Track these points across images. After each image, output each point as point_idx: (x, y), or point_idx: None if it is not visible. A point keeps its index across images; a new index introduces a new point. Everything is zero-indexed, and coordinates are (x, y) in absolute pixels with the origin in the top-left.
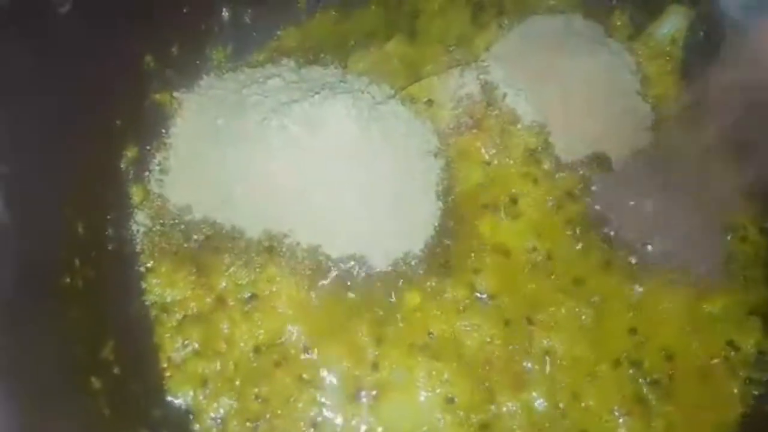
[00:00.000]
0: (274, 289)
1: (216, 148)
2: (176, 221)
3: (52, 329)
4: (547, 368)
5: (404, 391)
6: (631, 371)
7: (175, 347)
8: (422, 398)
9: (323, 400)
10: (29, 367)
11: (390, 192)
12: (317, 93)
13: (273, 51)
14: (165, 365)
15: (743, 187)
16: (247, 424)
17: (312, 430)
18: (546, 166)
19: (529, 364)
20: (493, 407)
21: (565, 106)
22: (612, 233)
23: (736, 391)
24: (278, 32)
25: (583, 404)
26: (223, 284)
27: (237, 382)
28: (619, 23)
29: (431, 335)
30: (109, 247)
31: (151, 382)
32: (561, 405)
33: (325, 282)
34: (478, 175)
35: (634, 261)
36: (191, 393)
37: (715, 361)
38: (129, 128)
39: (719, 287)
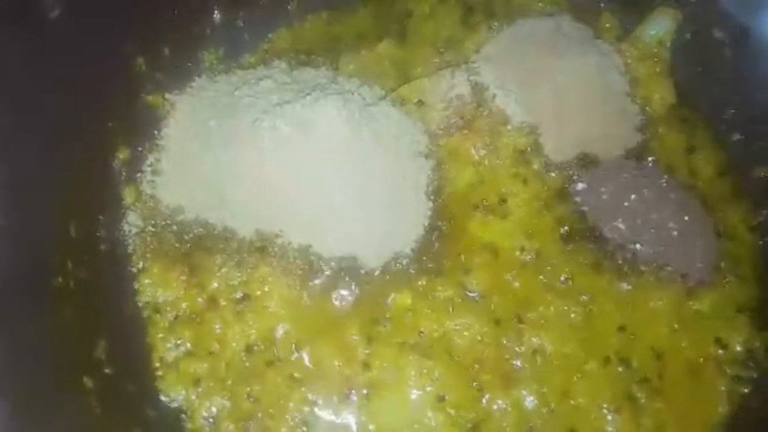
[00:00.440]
0: (265, 289)
1: (208, 149)
2: (168, 222)
3: (45, 329)
4: (537, 366)
5: (395, 390)
6: (620, 369)
7: (167, 347)
8: (413, 397)
9: (314, 399)
10: (22, 366)
11: (381, 192)
12: (308, 94)
13: (265, 53)
14: (157, 365)
15: (732, 186)
16: (240, 423)
17: (303, 429)
18: (535, 166)
19: (519, 363)
20: (483, 405)
21: (554, 107)
22: (601, 232)
23: (724, 388)
24: (270, 35)
25: (572, 402)
26: (215, 284)
27: (229, 382)
28: (607, 25)
29: (422, 334)
30: (102, 248)
31: (143, 382)
32: (551, 403)
33: (316, 282)
34: (469, 175)
35: (623, 260)
36: (183, 393)
37: (704, 359)
38: (121, 130)
39: (708, 285)
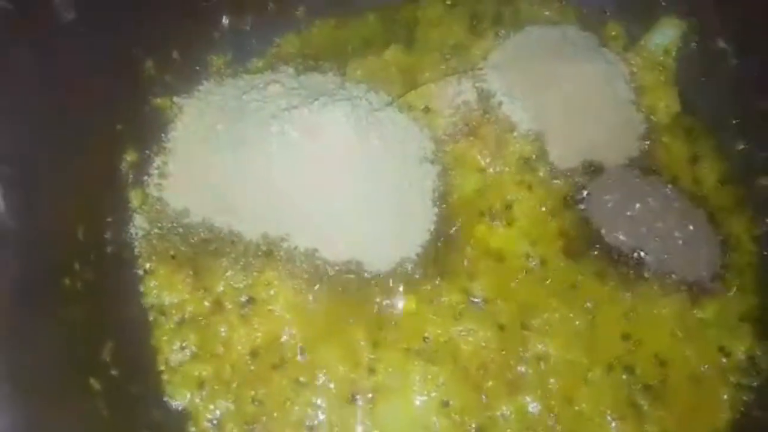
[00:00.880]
0: (271, 293)
1: (215, 152)
2: (175, 225)
3: (52, 330)
4: (541, 373)
5: (400, 395)
6: (624, 376)
7: (172, 350)
8: (418, 402)
9: (319, 403)
10: (30, 367)
11: (387, 198)
12: (316, 99)
13: (272, 58)
14: (162, 368)
15: (735, 195)
16: (244, 426)
17: None
18: (541, 173)
19: (524, 369)
20: (487, 411)
21: (560, 115)
22: (606, 240)
23: (726, 396)
24: (277, 39)
25: (576, 408)
26: (221, 288)
27: (234, 385)
28: (613, 33)
29: (427, 339)
30: (108, 250)
31: (149, 385)
32: (554, 409)
33: (322, 286)
34: (474, 181)
35: (627, 268)
36: (188, 395)
37: (707, 366)
38: (129, 132)
39: (712, 294)
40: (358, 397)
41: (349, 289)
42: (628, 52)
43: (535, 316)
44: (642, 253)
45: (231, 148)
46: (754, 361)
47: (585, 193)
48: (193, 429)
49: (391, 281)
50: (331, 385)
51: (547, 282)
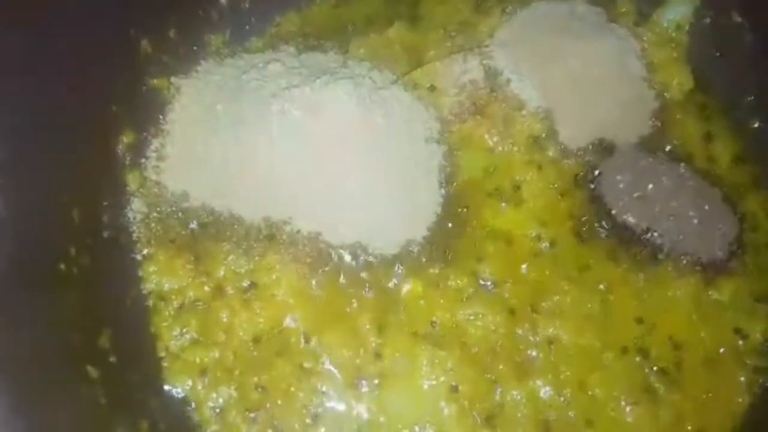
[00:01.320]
0: (274, 278)
1: (215, 134)
2: (174, 208)
3: (48, 316)
4: (552, 357)
5: (407, 380)
6: (637, 360)
7: (172, 336)
8: (425, 387)
9: (324, 389)
10: (25, 355)
11: (392, 179)
12: (318, 78)
13: (272, 37)
14: (162, 354)
15: (751, 173)
16: (247, 413)
17: (313, 419)
18: (550, 152)
19: (534, 353)
20: (497, 396)
21: (570, 92)
22: (618, 220)
23: (743, 379)
24: (277, 18)
25: (589, 393)
26: (222, 272)
27: (236, 372)
28: (623, 9)
29: (434, 324)
30: (105, 235)
31: (148, 372)
32: (567, 394)
33: (325, 270)
34: (482, 162)
35: (640, 249)
36: (190, 382)
37: (723, 349)
38: (125, 114)
39: (727, 275)
40: (363, 382)
41: (353, 273)
42: (640, 28)
43: (546, 299)
44: (655, 234)
45: (231, 128)
46: None
47: (596, 172)
48: (195, 417)
49: (396, 264)
50: (336, 371)
51: (558, 264)
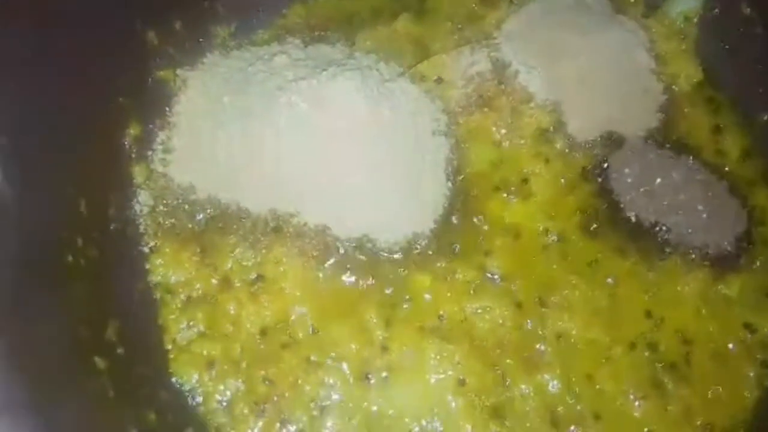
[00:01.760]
0: (280, 270)
1: (221, 126)
2: (180, 201)
3: (55, 308)
4: (561, 351)
5: (414, 374)
6: (646, 354)
7: (180, 329)
8: (433, 381)
9: (332, 382)
10: (35, 346)
11: (399, 172)
12: (324, 70)
13: (278, 29)
14: (169, 347)
15: (760, 168)
16: (254, 406)
17: (320, 412)
18: (558, 145)
19: (542, 347)
20: (505, 390)
21: (578, 85)
22: (626, 214)
23: (752, 374)
24: (284, 10)
25: (597, 387)
26: (229, 265)
27: (243, 365)
28: (632, 0)
29: (442, 317)
30: (112, 227)
31: (155, 364)
32: (575, 388)
33: (332, 263)
34: (489, 155)
35: (648, 243)
36: (196, 375)
37: (732, 344)
38: (132, 105)
39: (736, 269)
40: (371, 376)
41: (360, 266)
42: (648, 19)
43: (554, 293)
44: (664, 228)
45: (237, 121)
46: None
47: (604, 165)
48: (201, 409)
49: (403, 257)
50: (344, 364)
51: (566, 258)
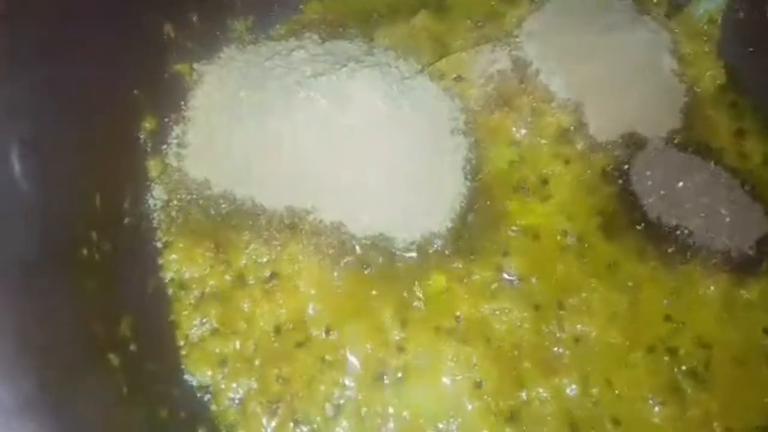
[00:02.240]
0: (295, 268)
1: (237, 121)
2: (195, 196)
3: (71, 301)
4: (579, 354)
5: (430, 375)
6: (665, 358)
7: (192, 326)
8: (449, 382)
9: (346, 382)
10: (52, 340)
11: (416, 170)
12: (344, 66)
13: (295, 24)
14: (182, 343)
15: None
16: (267, 405)
17: (335, 412)
18: (579, 146)
19: (560, 350)
20: (522, 393)
21: (600, 85)
22: (647, 216)
23: None
24: (301, 5)
25: (616, 391)
26: (243, 262)
27: (257, 363)
28: (655, 1)
29: (458, 318)
30: (126, 221)
31: (168, 361)
32: (593, 392)
33: (348, 261)
34: (508, 154)
35: (669, 246)
36: (209, 372)
37: (752, 349)
38: (147, 99)
39: (758, 274)
40: (386, 376)
41: (376, 265)
42: (671, 20)
43: (573, 296)
44: (685, 231)
45: (254, 116)
46: None
47: (625, 167)
48: (213, 407)
49: (420, 257)
50: (358, 364)
51: (585, 260)
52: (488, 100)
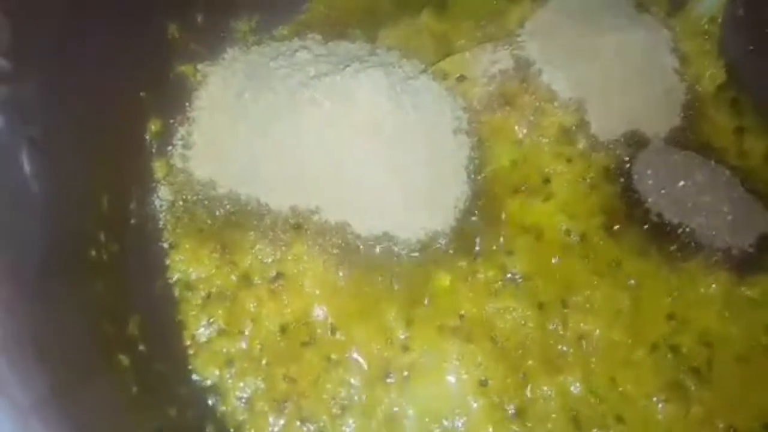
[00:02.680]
0: (300, 268)
1: (242, 121)
2: (200, 197)
3: (81, 302)
4: (583, 353)
5: (435, 374)
6: (669, 356)
7: (199, 326)
8: (454, 381)
9: (352, 381)
10: (62, 341)
11: (420, 170)
12: (347, 66)
13: (299, 25)
14: (189, 343)
15: None
16: (274, 404)
17: (341, 411)
18: (581, 145)
19: (564, 348)
20: (527, 391)
21: (602, 84)
22: (649, 215)
23: None
24: (304, 6)
25: (620, 389)
26: (249, 262)
27: (263, 362)
28: None
29: (462, 317)
30: (132, 222)
31: (176, 361)
32: (597, 390)
33: (353, 261)
34: (511, 153)
35: (672, 244)
36: (216, 372)
37: (755, 347)
38: (153, 100)
39: (759, 271)
40: (391, 375)
41: (380, 265)
42: (672, 19)
43: (576, 294)
44: (687, 230)
45: (258, 116)
46: None
47: (627, 166)
48: (221, 407)
49: (424, 257)
50: (364, 363)
51: (588, 259)
52: (491, 100)
